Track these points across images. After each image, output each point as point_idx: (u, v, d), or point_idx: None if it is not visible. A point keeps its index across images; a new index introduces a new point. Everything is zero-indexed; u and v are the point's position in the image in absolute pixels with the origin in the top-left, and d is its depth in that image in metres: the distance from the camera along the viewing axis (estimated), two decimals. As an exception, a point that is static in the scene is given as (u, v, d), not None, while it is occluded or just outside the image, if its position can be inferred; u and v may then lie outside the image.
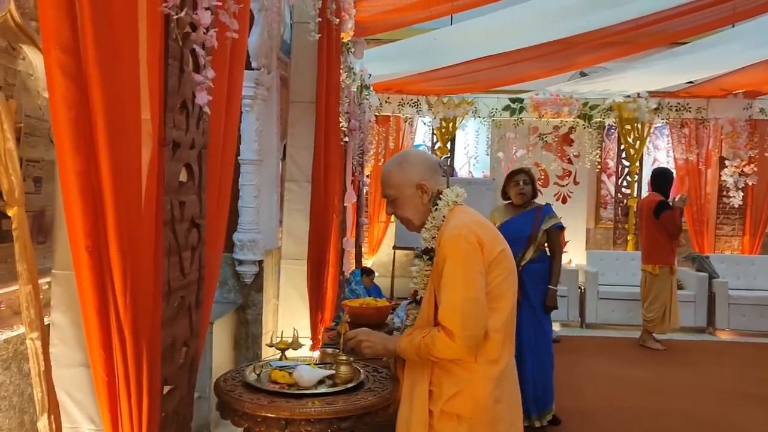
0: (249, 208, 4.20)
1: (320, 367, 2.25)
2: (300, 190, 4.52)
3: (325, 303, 4.50)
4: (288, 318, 4.65)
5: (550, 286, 4.50)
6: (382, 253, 8.96)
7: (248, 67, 4.05)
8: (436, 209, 2.15)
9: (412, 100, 8.61)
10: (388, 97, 8.56)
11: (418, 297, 2.18)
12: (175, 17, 1.59)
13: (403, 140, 9.04)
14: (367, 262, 8.04)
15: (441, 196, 2.16)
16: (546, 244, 4.60)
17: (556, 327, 7.69)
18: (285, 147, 4.65)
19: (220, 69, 1.98)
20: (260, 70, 4.09)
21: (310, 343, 4.40)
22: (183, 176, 1.81)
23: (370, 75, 6.34)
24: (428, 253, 2.16)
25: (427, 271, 2.17)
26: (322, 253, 4.36)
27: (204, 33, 1.73)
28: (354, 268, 6.34)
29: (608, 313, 7.93)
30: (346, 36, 4.59)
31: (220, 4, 1.89)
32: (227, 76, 2.04)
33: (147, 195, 1.59)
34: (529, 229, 4.50)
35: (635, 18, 6.35)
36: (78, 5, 1.21)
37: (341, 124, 4.76)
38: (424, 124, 9.21)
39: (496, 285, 2.05)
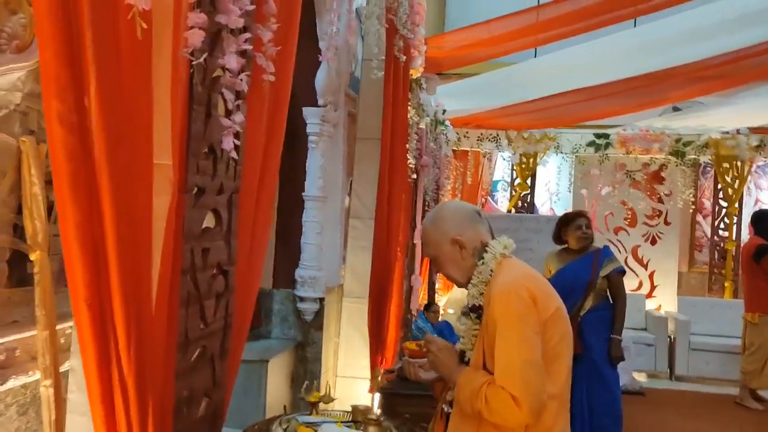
0: (311, 244, 4.17)
1: (347, 427, 2.13)
2: (364, 227, 4.45)
3: (386, 343, 4.37)
4: (348, 358, 4.55)
5: (614, 336, 4.18)
6: (457, 290, 8.74)
7: (314, 104, 4.07)
8: (482, 263, 2.00)
9: (491, 134, 8.43)
10: (467, 132, 8.42)
11: (465, 359, 2.03)
12: (196, 62, 1.55)
13: (481, 175, 8.86)
14: (441, 300, 7.85)
15: (487, 248, 2.01)
16: (607, 290, 4.30)
17: (641, 377, 7.18)
18: (351, 184, 4.61)
19: (256, 112, 1.94)
20: (326, 107, 4.09)
21: (368, 385, 4.29)
22: (210, 222, 1.76)
23: (444, 110, 6.24)
24: (476, 311, 2.01)
25: (475, 330, 2.01)
26: (384, 291, 4.25)
27: (233, 77, 1.68)
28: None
29: (701, 365, 7.32)
30: (416, 72, 4.52)
31: (252, 47, 1.85)
32: (265, 119, 1.99)
33: (165, 243, 1.54)
34: (588, 275, 4.22)
35: (734, 50, 5.94)
36: (80, 51, 1.19)
37: (409, 161, 4.68)
38: (504, 159, 8.99)
39: (551, 346, 1.87)
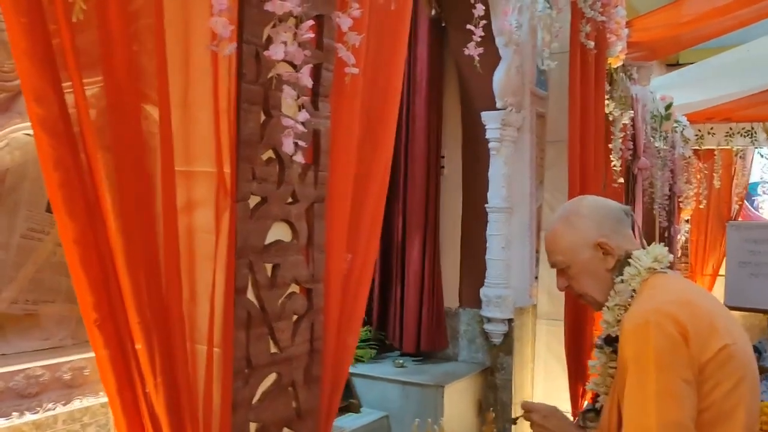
0: (496, 260, 3.83)
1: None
2: (558, 241, 3.96)
3: (587, 372, 3.81)
4: (547, 387, 4.06)
5: None
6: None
7: (493, 107, 3.75)
8: (620, 280, 1.53)
9: (743, 128, 7.12)
10: (711, 128, 7.23)
11: (597, 404, 1.57)
12: (245, 56, 1.39)
13: (734, 177, 7.54)
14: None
15: (630, 260, 1.53)
16: None
17: None
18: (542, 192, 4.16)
19: (343, 111, 1.73)
20: (507, 109, 3.74)
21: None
22: (282, 234, 1.59)
23: (671, 104, 5.39)
24: (611, 344, 1.54)
25: (610, 368, 1.55)
26: (583, 311, 3.71)
27: (292, 72, 1.50)
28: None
29: None
30: (615, 61, 3.92)
31: (334, 38, 1.65)
32: (356, 118, 1.77)
33: (217, 258, 1.41)
34: None
35: None
36: (59, 42, 1.09)
37: (612, 164, 4.07)
38: (763, 156, 7.54)
39: (716, 400, 1.35)
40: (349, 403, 3.53)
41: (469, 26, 2.53)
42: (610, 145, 4.08)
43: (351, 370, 3.63)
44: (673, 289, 1.48)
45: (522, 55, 3.85)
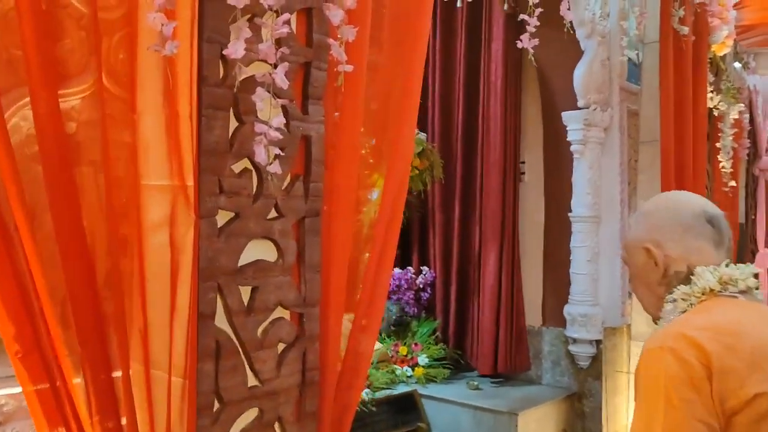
0: (582, 275, 3.47)
1: None
2: (654, 253, 3.52)
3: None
4: (644, 417, 3.61)
5: None
6: None
7: (575, 106, 3.40)
8: (672, 299, 1.24)
9: None
10: None
11: None
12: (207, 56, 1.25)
13: None
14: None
15: (692, 276, 1.23)
16: None
17: None
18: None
19: (339, 115, 1.55)
20: (591, 108, 3.37)
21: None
22: (265, 254, 1.43)
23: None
24: None
25: None
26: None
27: (271, 71, 1.33)
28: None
29: None
30: (720, 48, 3.43)
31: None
32: (357, 123, 1.58)
33: (171, 283, 1.27)
34: None
35: None
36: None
37: (721, 164, 3.56)
38: None
39: None
40: (417, 427, 3.30)
41: (522, 16, 2.27)
42: (717, 144, 3.58)
43: (421, 391, 3.41)
44: (723, 315, 1.16)
45: (609, 47, 3.47)
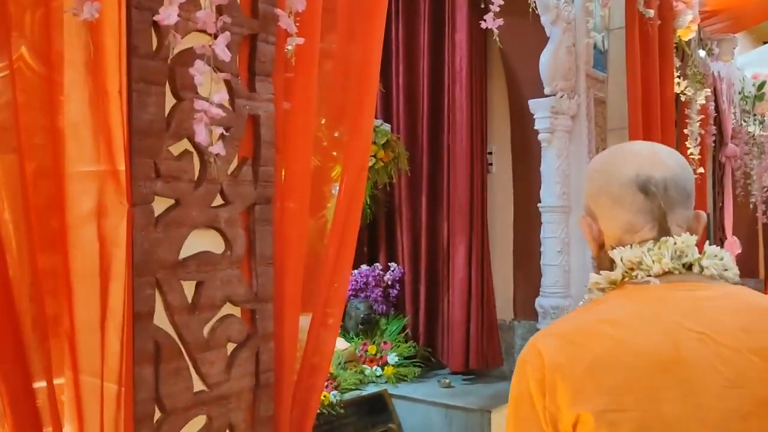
0: (552, 266, 3.39)
1: None
2: (625, 242, 3.46)
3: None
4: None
5: None
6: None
7: (541, 94, 3.32)
8: (588, 288, 1.09)
9: None
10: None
11: None
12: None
13: None
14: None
15: (620, 253, 1.02)
16: None
17: None
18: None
19: (291, 92, 1.42)
20: (557, 95, 3.30)
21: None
22: (211, 245, 1.30)
23: (764, 82, 4.71)
24: None
25: None
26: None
27: (204, 45, 1.20)
28: None
29: None
30: (685, 33, 3.39)
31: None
32: (311, 103, 1.45)
33: (102, 280, 1.13)
34: None
35: None
36: None
37: (689, 151, 3.52)
38: None
39: None
40: (388, 428, 3.19)
41: (485, -6, 2.17)
42: (685, 131, 3.54)
43: (392, 390, 3.30)
44: (604, 313, 0.97)
45: (575, 33, 3.40)
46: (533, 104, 3.36)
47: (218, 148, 1.21)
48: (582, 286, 3.42)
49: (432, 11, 3.71)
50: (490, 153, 3.72)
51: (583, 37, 3.41)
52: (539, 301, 3.42)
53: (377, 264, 3.84)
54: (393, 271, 3.81)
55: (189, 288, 1.25)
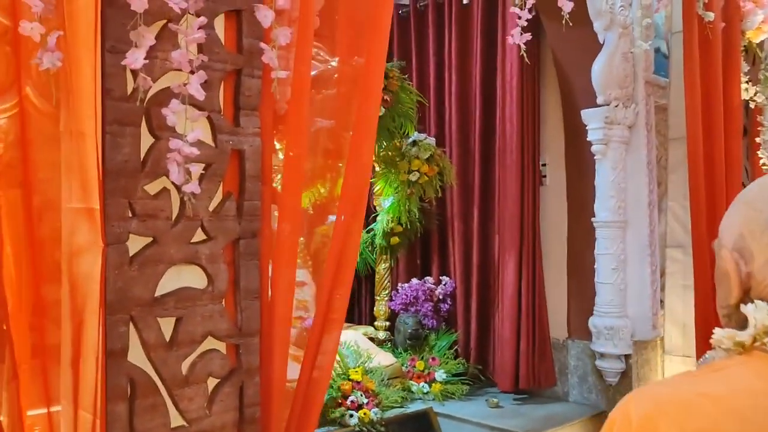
0: (606, 284, 3.22)
1: None
2: (688, 259, 3.23)
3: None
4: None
5: None
6: None
7: (593, 103, 3.17)
8: (717, 340, 0.90)
9: None
10: None
11: None
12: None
13: None
14: None
15: (756, 310, 0.83)
16: None
17: None
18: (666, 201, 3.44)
19: (278, 129, 1.41)
20: (610, 105, 3.13)
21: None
22: (193, 281, 1.31)
23: None
24: None
25: None
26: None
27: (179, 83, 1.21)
28: None
29: None
30: (756, 34, 3.13)
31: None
32: (303, 138, 1.44)
33: (85, 315, 1.16)
34: None
35: None
36: None
37: (761, 161, 3.24)
38: None
39: None
40: (431, 447, 3.13)
41: (513, 9, 2.10)
42: (757, 139, 3.27)
43: (438, 409, 3.24)
44: (729, 382, 0.79)
45: (632, 38, 3.21)
46: (586, 114, 3.20)
47: (193, 186, 1.22)
48: (639, 306, 3.23)
49: (484, 22, 3.62)
50: (544, 165, 3.58)
51: (642, 43, 3.21)
52: (593, 321, 3.26)
53: (428, 278, 3.79)
54: (445, 284, 3.74)
55: (168, 324, 1.27)
